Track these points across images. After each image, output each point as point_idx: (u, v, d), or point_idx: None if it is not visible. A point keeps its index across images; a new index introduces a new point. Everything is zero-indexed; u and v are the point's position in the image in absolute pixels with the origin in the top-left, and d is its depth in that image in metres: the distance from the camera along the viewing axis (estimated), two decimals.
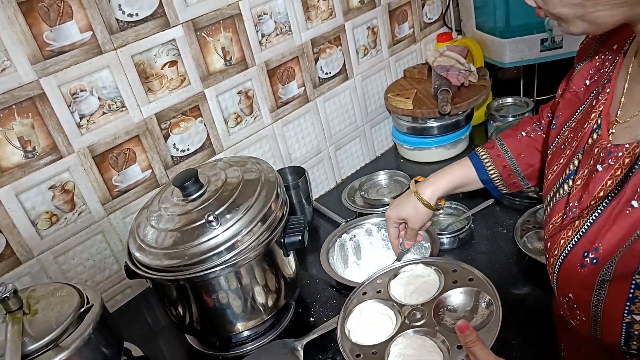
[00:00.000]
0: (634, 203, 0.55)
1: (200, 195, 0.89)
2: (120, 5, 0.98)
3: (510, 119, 1.38)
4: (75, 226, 1.04)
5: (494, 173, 0.95)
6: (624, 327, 0.59)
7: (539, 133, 0.93)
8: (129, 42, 1.01)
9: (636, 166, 0.57)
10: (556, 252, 0.67)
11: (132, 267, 0.89)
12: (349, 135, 1.49)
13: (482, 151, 0.97)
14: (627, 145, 0.60)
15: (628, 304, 0.57)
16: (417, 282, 0.91)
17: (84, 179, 1.02)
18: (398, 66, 1.56)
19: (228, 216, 0.85)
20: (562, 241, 0.66)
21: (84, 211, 1.04)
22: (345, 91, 1.44)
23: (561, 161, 0.73)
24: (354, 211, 1.30)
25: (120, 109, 1.03)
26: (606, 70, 0.71)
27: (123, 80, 1.02)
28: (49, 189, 0.99)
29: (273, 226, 0.89)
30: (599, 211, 0.61)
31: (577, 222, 0.64)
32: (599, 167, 0.63)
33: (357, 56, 1.44)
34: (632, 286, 0.56)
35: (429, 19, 1.62)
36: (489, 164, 0.95)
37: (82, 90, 0.98)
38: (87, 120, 1.00)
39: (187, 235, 0.84)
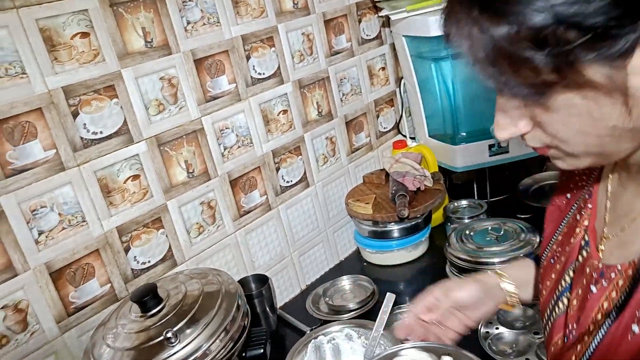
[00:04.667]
0: (635, 328, 0.51)
1: (159, 311, 0.87)
2: (85, 124, 1.02)
3: (467, 221, 1.43)
4: (27, 347, 0.99)
5: None
6: None
7: None
8: (92, 158, 1.03)
9: (634, 288, 0.54)
10: None
11: None
12: (312, 241, 1.51)
13: None
14: (618, 267, 0.58)
15: None
16: None
17: (39, 297, 0.99)
18: (357, 172, 1.63)
19: (187, 331, 0.83)
20: None
21: (37, 331, 1.00)
22: (307, 198, 1.48)
23: (552, 276, 0.71)
24: (318, 319, 1.29)
25: (81, 224, 1.03)
26: (584, 184, 0.71)
27: (84, 196, 1.03)
28: (1, 308, 0.95)
29: (234, 340, 0.87)
30: (600, 335, 0.57)
31: (579, 347, 0.60)
32: (593, 289, 0.60)
33: (317, 164, 1.49)
34: None
35: (384, 128, 1.71)
36: None
37: (42, 207, 0.98)
38: (46, 237, 0.99)
39: (145, 354, 0.81)
